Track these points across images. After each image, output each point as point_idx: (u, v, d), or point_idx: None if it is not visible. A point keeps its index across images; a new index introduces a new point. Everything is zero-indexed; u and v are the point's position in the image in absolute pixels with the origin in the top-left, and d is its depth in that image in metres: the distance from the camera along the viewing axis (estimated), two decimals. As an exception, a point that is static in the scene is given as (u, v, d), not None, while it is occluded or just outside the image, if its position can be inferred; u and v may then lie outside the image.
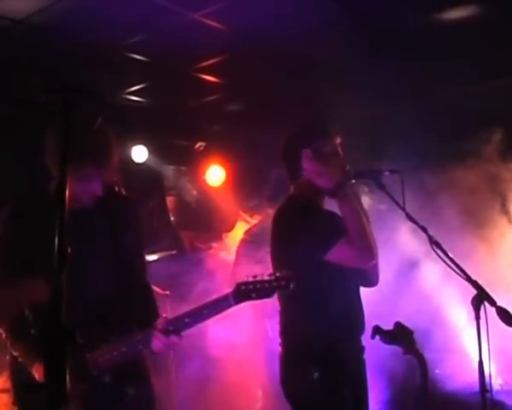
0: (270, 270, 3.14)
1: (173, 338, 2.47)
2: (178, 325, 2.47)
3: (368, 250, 2.94)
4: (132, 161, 6.13)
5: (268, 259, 3.32)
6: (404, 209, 2.92)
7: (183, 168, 6.96)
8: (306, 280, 3.02)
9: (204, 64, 5.04)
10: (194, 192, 6.86)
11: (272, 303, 3.29)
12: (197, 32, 4.33)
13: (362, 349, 3.16)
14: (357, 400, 3.05)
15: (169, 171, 6.78)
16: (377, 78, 4.91)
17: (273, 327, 3.96)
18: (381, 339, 2.36)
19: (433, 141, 4.59)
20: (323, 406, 2.95)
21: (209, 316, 2.43)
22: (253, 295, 2.37)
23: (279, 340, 3.18)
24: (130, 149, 6.12)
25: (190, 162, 6.87)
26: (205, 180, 6.79)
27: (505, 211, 4.68)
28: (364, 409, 3.12)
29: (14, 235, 2.57)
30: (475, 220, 4.50)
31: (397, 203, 2.95)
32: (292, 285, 2.39)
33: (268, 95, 5.64)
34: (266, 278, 2.39)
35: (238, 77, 5.33)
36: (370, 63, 4.83)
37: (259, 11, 4.05)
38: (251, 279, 2.39)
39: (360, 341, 3.14)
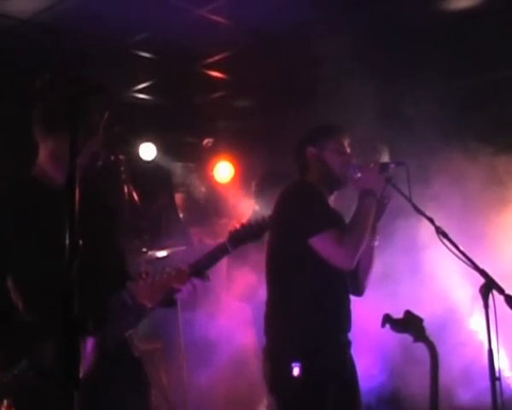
0: (262, 269, 3.26)
1: (195, 282, 2.50)
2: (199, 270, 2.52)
3: (352, 255, 2.93)
4: (141, 158, 6.17)
5: (259, 257, 3.38)
6: (410, 201, 2.94)
7: (192, 165, 6.98)
8: (294, 273, 3.06)
9: (210, 60, 5.06)
10: (203, 189, 6.88)
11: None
12: (203, 28, 4.35)
13: (348, 345, 3.16)
14: (343, 397, 3.03)
15: (177, 168, 6.80)
16: (384, 70, 4.91)
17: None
18: (392, 327, 2.37)
19: (443, 131, 4.61)
20: (304, 401, 2.94)
21: (212, 265, 2.53)
22: (246, 238, 2.54)
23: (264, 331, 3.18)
24: (139, 147, 6.15)
25: (198, 159, 6.89)
26: (213, 176, 6.81)
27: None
28: (353, 405, 3.11)
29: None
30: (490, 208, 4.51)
31: (403, 195, 2.98)
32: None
33: (275, 90, 5.65)
34: (254, 222, 2.58)
35: (245, 72, 5.34)
36: (377, 56, 4.83)
37: (265, 6, 4.06)
38: (241, 226, 2.57)
39: (346, 337, 3.15)
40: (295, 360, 2.91)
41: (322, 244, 2.95)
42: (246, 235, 2.55)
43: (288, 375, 2.91)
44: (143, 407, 2.67)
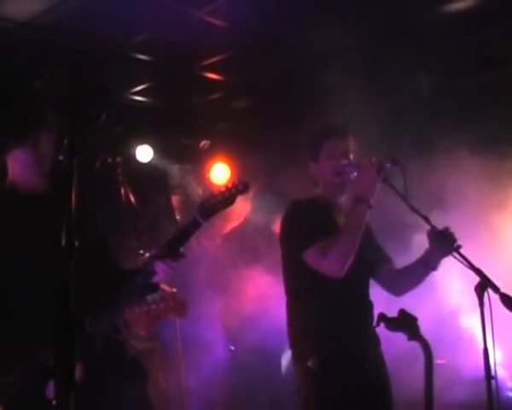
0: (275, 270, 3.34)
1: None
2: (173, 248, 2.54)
3: (337, 265, 2.97)
4: (137, 160, 6.18)
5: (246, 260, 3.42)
6: (407, 200, 2.96)
7: (188, 167, 6.99)
8: (301, 283, 3.18)
9: (208, 62, 5.06)
10: (200, 190, 6.88)
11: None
12: (200, 30, 4.36)
13: (369, 342, 3.17)
14: (364, 394, 3.03)
15: (174, 170, 6.82)
16: (382, 71, 4.92)
17: None
18: (386, 326, 2.39)
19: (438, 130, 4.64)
20: (318, 396, 3.02)
21: (187, 240, 2.56)
22: (217, 207, 2.51)
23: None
24: (135, 148, 6.16)
25: (195, 161, 6.90)
26: (210, 178, 6.82)
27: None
28: (377, 400, 3.12)
29: None
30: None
31: (400, 195, 2.99)
32: (248, 189, 2.55)
33: (272, 92, 5.66)
34: (223, 188, 2.54)
35: (242, 74, 5.35)
36: (376, 57, 4.84)
37: (262, 7, 4.07)
38: (210, 195, 2.53)
39: (366, 335, 3.16)
40: (309, 357, 3.04)
41: (309, 259, 3.05)
42: (216, 203, 2.51)
43: (304, 370, 3.05)
44: (140, 395, 2.69)
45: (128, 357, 2.67)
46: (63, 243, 1.49)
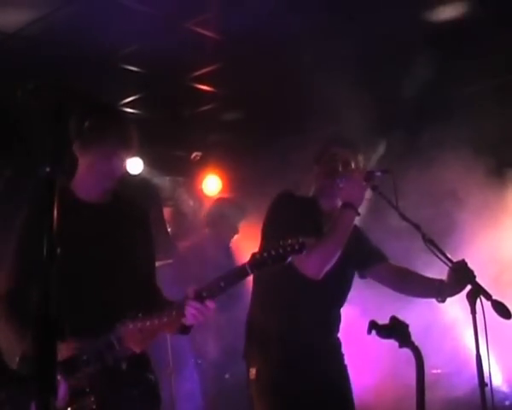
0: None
1: (209, 303, 2.41)
2: (211, 291, 2.44)
3: (317, 267, 2.94)
4: (127, 172, 6.14)
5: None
6: (397, 208, 2.95)
7: (180, 179, 6.97)
8: (264, 281, 3.13)
9: (198, 73, 5.06)
10: (191, 202, 6.87)
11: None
12: (191, 41, 4.36)
13: (321, 351, 3.13)
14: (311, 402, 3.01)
15: (165, 182, 6.79)
16: (375, 81, 4.93)
17: None
18: (377, 333, 2.37)
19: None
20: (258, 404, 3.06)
21: (230, 286, 2.44)
22: (269, 262, 2.41)
23: None
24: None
25: (187, 173, 6.89)
26: (202, 190, 6.81)
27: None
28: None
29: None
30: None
31: (390, 203, 2.97)
32: (304, 250, 2.43)
33: (263, 103, 5.66)
34: (280, 243, 2.43)
35: (233, 85, 5.35)
36: (368, 67, 4.85)
37: (253, 18, 4.07)
38: (265, 248, 2.46)
39: (318, 343, 3.13)
40: (253, 365, 3.07)
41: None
42: (269, 258, 2.40)
43: (248, 380, 3.10)
44: None
45: (150, 382, 2.68)
46: (44, 251, 1.46)
